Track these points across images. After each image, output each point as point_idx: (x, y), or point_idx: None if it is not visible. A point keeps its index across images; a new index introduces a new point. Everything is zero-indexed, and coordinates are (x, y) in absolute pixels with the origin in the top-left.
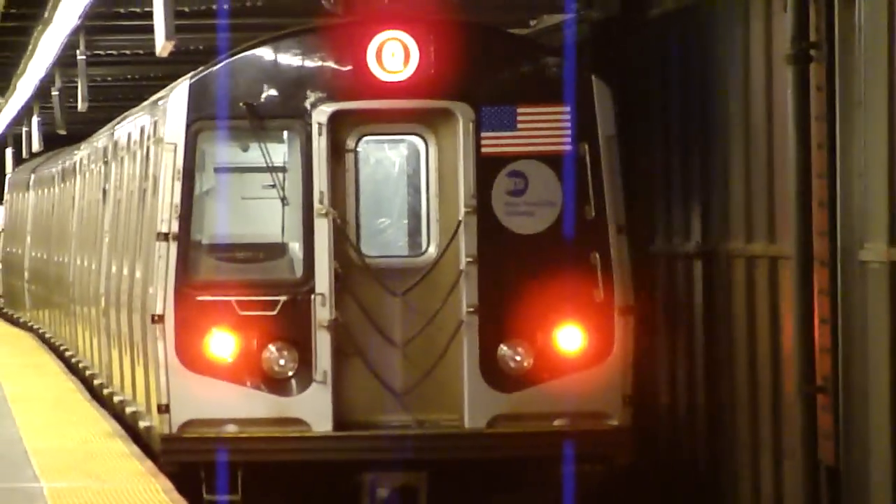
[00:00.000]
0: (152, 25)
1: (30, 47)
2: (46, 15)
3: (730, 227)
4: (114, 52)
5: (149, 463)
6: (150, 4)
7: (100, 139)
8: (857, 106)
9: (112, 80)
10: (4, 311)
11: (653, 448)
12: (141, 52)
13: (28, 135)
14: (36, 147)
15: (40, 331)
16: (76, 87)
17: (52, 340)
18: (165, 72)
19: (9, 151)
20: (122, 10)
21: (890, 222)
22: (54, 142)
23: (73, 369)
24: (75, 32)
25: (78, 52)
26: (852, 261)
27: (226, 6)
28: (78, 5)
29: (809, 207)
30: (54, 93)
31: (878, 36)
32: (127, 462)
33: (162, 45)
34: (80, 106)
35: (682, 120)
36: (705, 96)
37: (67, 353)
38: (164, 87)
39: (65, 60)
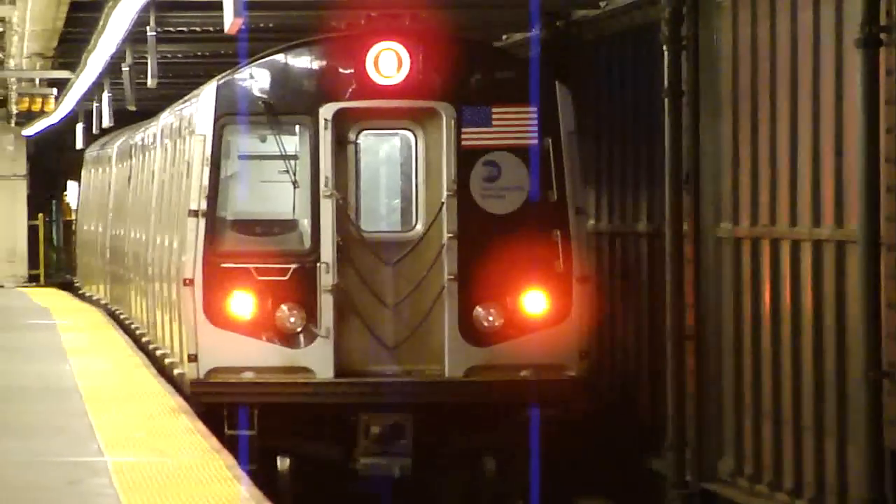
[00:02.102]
0: (221, 2)
1: (100, 23)
2: None
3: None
4: (184, 29)
5: (214, 440)
6: None
7: (150, 128)
8: None
9: (182, 56)
10: (79, 288)
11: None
12: (211, 29)
13: (99, 111)
14: (106, 123)
15: (103, 302)
16: (146, 64)
17: (115, 310)
18: (234, 49)
19: (79, 127)
20: None
21: None
22: (125, 118)
23: (139, 344)
24: (146, 9)
25: (148, 28)
26: None
27: None
28: None
29: (877, 192)
30: (124, 69)
31: None
32: (191, 437)
33: (231, 22)
34: (150, 82)
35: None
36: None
37: (122, 317)
38: (232, 64)
39: (135, 37)
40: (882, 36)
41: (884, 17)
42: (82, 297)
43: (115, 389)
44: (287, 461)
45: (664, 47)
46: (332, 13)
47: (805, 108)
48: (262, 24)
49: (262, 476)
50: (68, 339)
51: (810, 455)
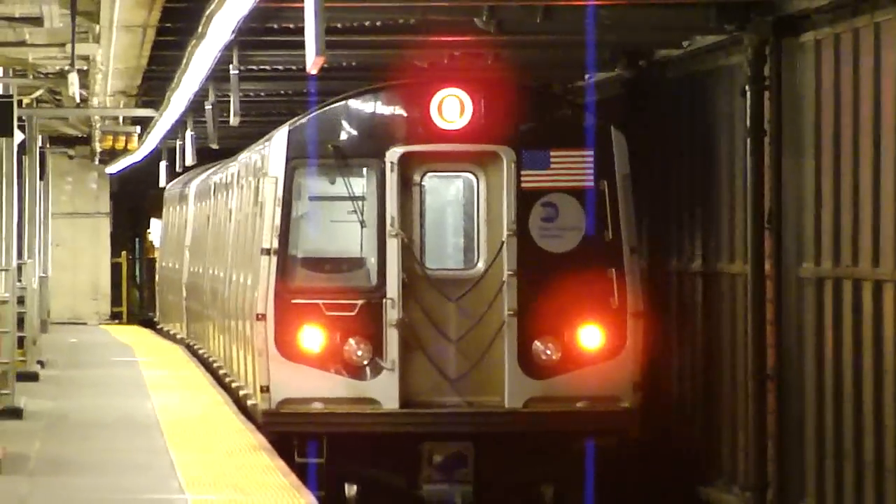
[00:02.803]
0: (304, 41)
1: (184, 61)
2: (200, 29)
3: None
4: (266, 68)
5: (293, 477)
6: (303, 20)
7: (229, 167)
8: None
9: (264, 95)
10: (159, 325)
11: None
12: (293, 67)
13: (181, 148)
14: (189, 161)
15: (179, 337)
16: (228, 102)
17: (193, 345)
18: (317, 88)
19: (162, 165)
20: (275, 26)
21: None
22: (207, 156)
23: (219, 381)
24: (229, 47)
25: (231, 66)
26: None
27: (378, 23)
28: (231, 20)
29: None
30: (207, 107)
31: None
32: (271, 476)
33: (313, 60)
34: (232, 120)
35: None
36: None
37: (200, 352)
38: (315, 102)
39: (218, 75)
40: None
41: None
42: (163, 335)
43: (196, 426)
44: (354, 488)
45: (746, 87)
46: (413, 52)
47: (888, 148)
48: (343, 63)
49: (330, 502)
50: (150, 375)
51: (891, 498)
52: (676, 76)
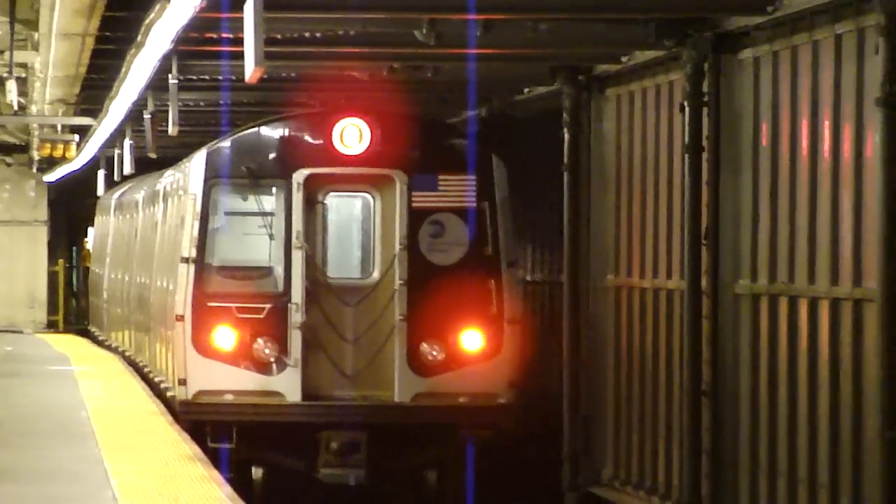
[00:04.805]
0: (243, 51)
1: (123, 70)
2: (139, 38)
3: (816, 270)
4: (206, 77)
5: (228, 488)
6: (242, 31)
7: (155, 183)
8: None
9: (204, 104)
10: (94, 334)
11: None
12: (233, 77)
13: (120, 157)
14: (127, 170)
15: (108, 342)
16: (168, 111)
17: (110, 344)
18: (256, 98)
19: (101, 174)
20: (214, 36)
21: None
22: (146, 165)
23: (158, 392)
24: (167, 57)
25: (170, 76)
26: None
27: (318, 34)
28: (170, 30)
29: (895, 251)
30: (146, 116)
31: None
32: (206, 486)
33: (251, 71)
34: (171, 130)
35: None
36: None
37: (125, 353)
38: (255, 113)
39: (157, 84)
40: None
41: None
42: (98, 343)
43: (132, 436)
44: (260, 471)
45: (685, 103)
46: (352, 64)
47: (825, 166)
48: (283, 74)
49: (238, 483)
50: (86, 385)
51: None
52: (616, 92)
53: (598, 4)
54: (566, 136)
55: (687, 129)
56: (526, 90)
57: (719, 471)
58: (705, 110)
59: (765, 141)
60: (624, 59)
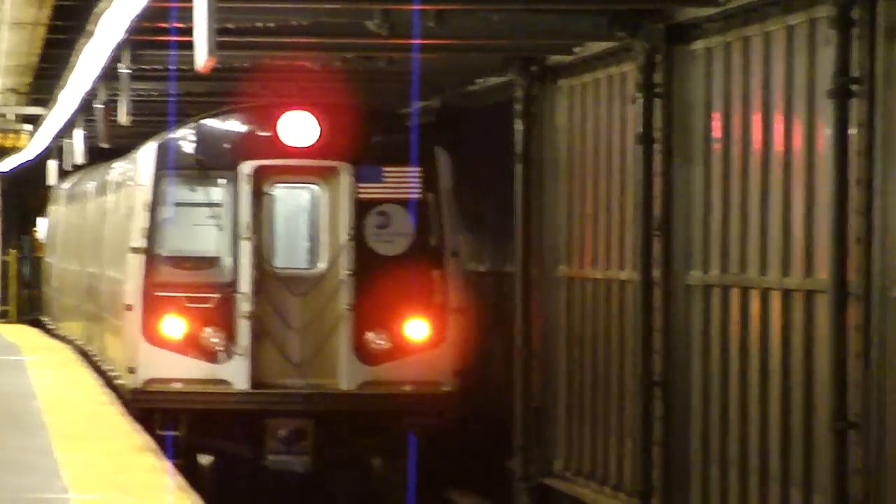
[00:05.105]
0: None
1: (72, 59)
2: (89, 27)
3: (767, 260)
4: (158, 67)
5: (179, 479)
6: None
7: (103, 173)
8: None
9: (157, 94)
10: (46, 324)
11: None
12: (186, 67)
13: (71, 147)
14: (79, 160)
15: (59, 332)
16: (120, 101)
17: (74, 340)
18: (209, 88)
19: (52, 164)
20: (167, 25)
21: None
22: (99, 155)
23: (109, 381)
24: (120, 46)
25: (121, 65)
26: (887, 297)
27: (271, 24)
28: (122, 19)
29: (846, 242)
30: (97, 106)
31: None
32: (158, 477)
33: (203, 61)
34: (123, 120)
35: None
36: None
37: (77, 342)
38: (208, 103)
39: (109, 74)
40: (853, 87)
41: (855, 68)
42: (50, 333)
43: (83, 427)
44: (208, 458)
45: (637, 94)
46: (305, 55)
47: (777, 158)
48: (236, 64)
49: (186, 470)
50: (37, 374)
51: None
52: (568, 83)
53: None
54: (519, 126)
55: (639, 120)
56: (479, 81)
57: (671, 461)
58: (657, 101)
59: (717, 132)
60: (577, 49)
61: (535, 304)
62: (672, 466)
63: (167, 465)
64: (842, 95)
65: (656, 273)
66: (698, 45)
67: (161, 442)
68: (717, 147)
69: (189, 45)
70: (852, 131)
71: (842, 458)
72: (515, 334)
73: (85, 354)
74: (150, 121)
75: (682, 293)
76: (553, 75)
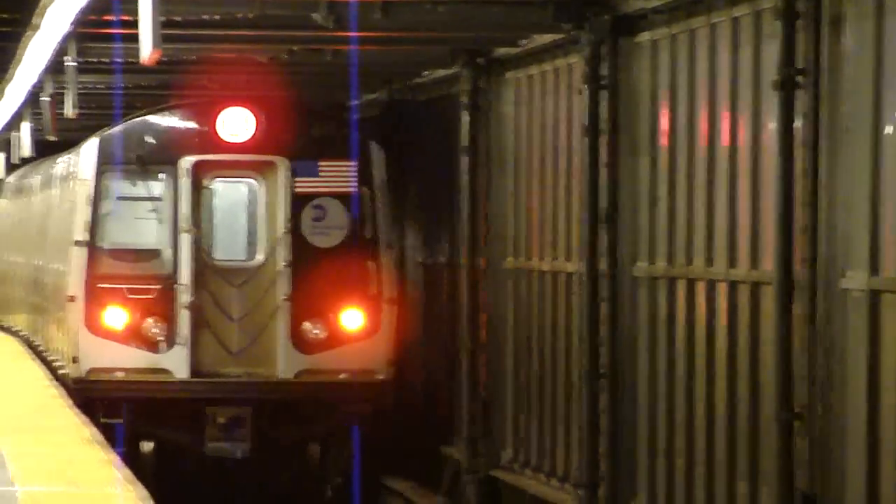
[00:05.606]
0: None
1: (17, 53)
2: (34, 20)
3: (714, 252)
4: (105, 60)
5: (127, 471)
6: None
7: (48, 168)
8: (843, 133)
9: (104, 87)
10: None
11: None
12: (133, 60)
13: (19, 141)
14: (27, 153)
15: (5, 324)
16: (66, 94)
17: (20, 332)
18: (157, 81)
19: (0, 157)
20: (113, 18)
21: (871, 251)
22: (47, 148)
23: (54, 372)
24: (65, 39)
25: (67, 58)
26: (834, 289)
27: (217, 17)
28: (68, 12)
29: (791, 234)
30: (43, 99)
31: (864, 64)
32: (106, 469)
33: (148, 53)
34: (70, 113)
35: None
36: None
37: (20, 333)
38: (155, 96)
39: (55, 67)
40: (798, 78)
41: (801, 59)
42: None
43: (30, 419)
44: (150, 445)
45: (584, 85)
46: (251, 47)
47: (722, 150)
48: (183, 57)
49: (129, 457)
50: None
51: (723, 495)
52: (515, 75)
53: None
54: (465, 118)
55: (585, 111)
56: (426, 73)
57: (617, 452)
58: (604, 93)
59: (663, 124)
60: (523, 42)
61: (481, 296)
62: (619, 458)
63: (115, 457)
64: (787, 87)
65: (603, 265)
66: (644, 36)
67: (105, 431)
68: (663, 139)
69: (135, 38)
70: (798, 123)
71: (787, 448)
72: (461, 326)
73: (31, 346)
74: (97, 113)
75: (629, 285)
76: (500, 67)
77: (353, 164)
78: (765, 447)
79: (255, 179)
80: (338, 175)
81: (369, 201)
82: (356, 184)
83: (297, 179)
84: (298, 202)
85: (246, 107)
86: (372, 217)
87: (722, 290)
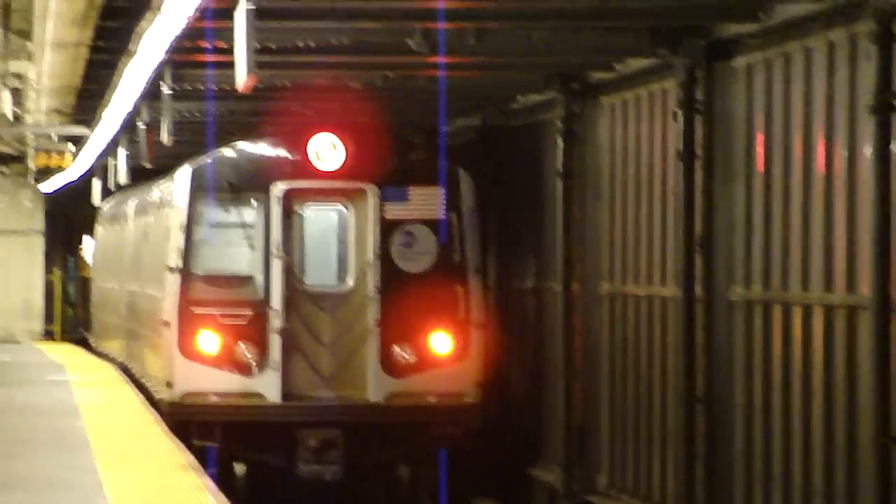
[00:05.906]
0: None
1: (114, 79)
2: (131, 47)
3: (809, 276)
4: (199, 87)
5: (221, 496)
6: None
7: (142, 194)
8: None
9: (199, 114)
10: (90, 343)
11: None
12: (226, 87)
13: (114, 167)
14: (122, 179)
15: (101, 350)
16: (162, 121)
17: (115, 358)
18: (249, 107)
19: (96, 183)
20: (207, 45)
21: None
22: (142, 174)
23: (150, 397)
24: (161, 66)
25: (163, 85)
26: None
27: (311, 44)
28: (163, 38)
29: (888, 257)
30: (139, 126)
31: None
32: (200, 495)
33: (243, 80)
34: (165, 140)
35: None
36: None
37: (120, 361)
38: (247, 123)
39: (150, 94)
40: (895, 102)
41: None
42: (94, 352)
43: (126, 445)
44: (242, 467)
45: (678, 110)
46: (347, 73)
47: (818, 173)
48: (277, 83)
49: (222, 479)
50: (81, 394)
51: None
52: (609, 100)
53: (592, 13)
54: (560, 143)
55: (680, 136)
56: (520, 98)
57: (714, 477)
58: (698, 118)
59: (758, 148)
60: (617, 66)
61: (577, 321)
62: (715, 483)
63: (209, 482)
64: (883, 110)
65: (698, 289)
66: (739, 61)
67: (198, 453)
68: (758, 163)
69: (228, 65)
70: (894, 146)
71: (885, 474)
72: (557, 351)
73: (127, 372)
74: (191, 140)
75: (725, 309)
76: (594, 92)
77: (441, 190)
78: (862, 474)
79: (345, 206)
80: (427, 201)
81: (457, 227)
82: (445, 210)
83: (387, 205)
84: (388, 228)
85: (336, 134)
86: (460, 242)
87: (818, 314)
